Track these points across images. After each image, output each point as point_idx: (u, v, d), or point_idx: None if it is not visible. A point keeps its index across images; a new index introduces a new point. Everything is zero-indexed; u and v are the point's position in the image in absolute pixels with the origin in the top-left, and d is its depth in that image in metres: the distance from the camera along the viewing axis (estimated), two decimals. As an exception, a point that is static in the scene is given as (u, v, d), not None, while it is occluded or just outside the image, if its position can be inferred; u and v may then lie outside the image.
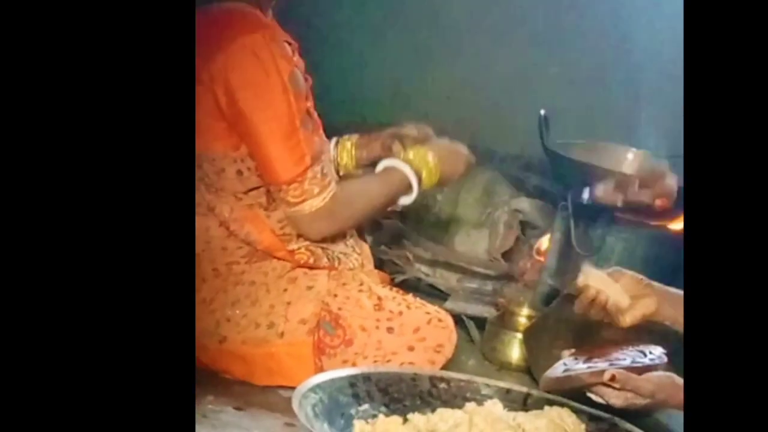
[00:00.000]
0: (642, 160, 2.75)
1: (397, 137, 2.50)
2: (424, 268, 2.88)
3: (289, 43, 2.23)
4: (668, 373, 1.84)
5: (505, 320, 2.58)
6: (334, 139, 2.57)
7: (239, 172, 2.20)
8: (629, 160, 2.77)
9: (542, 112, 2.70)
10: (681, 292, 1.91)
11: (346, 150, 2.56)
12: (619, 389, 1.80)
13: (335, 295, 2.20)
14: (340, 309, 2.18)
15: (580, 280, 1.96)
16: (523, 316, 2.56)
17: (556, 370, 1.97)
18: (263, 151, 2.16)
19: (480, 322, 2.67)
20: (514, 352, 2.52)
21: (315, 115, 2.31)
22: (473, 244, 3.05)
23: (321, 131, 2.37)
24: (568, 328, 2.32)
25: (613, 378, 1.80)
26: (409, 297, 2.28)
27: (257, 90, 2.14)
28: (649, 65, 3.28)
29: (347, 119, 3.52)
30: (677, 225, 2.56)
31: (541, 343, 2.41)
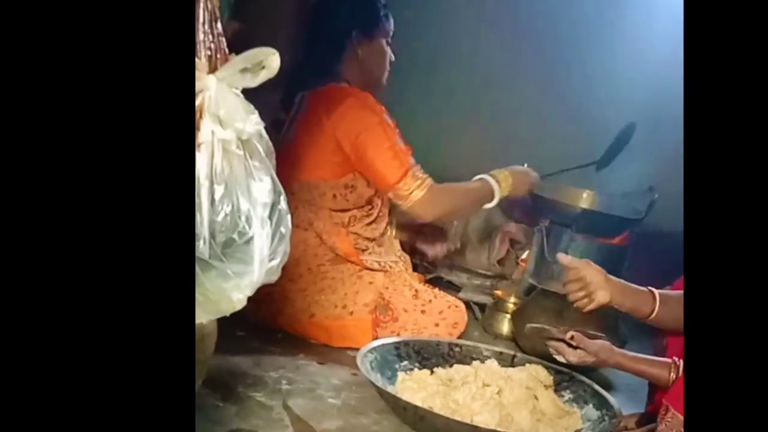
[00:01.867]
0: (592, 198, 2.73)
1: None
2: (445, 271, 2.88)
3: (376, 104, 2.24)
4: (607, 342, 1.82)
5: (499, 305, 2.58)
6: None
7: (334, 196, 2.23)
8: (584, 197, 2.74)
9: (525, 165, 2.67)
10: (621, 281, 1.83)
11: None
12: (574, 347, 1.78)
13: (387, 288, 2.24)
14: (390, 297, 2.21)
15: (566, 261, 1.87)
16: (511, 302, 2.56)
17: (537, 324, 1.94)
18: (374, 165, 2.15)
19: (482, 307, 2.66)
20: (505, 327, 2.52)
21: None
22: (478, 254, 3.02)
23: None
24: (542, 310, 2.35)
25: (572, 337, 1.77)
26: (436, 290, 2.31)
27: (364, 124, 2.15)
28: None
29: None
30: (615, 241, 2.54)
31: (523, 320, 2.36)
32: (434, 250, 2.65)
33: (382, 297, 2.21)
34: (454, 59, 3.46)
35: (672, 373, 1.68)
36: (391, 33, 2.31)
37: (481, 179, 2.35)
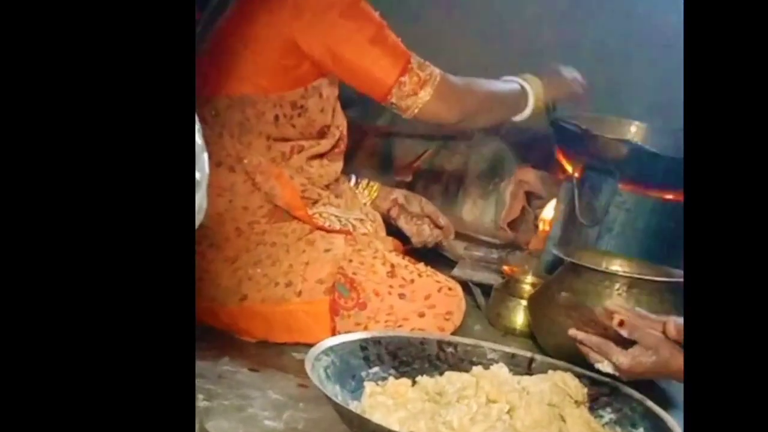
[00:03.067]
0: (645, 133, 2.75)
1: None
2: None
3: None
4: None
5: (510, 287, 2.59)
6: (354, 177, 2.62)
7: (276, 118, 2.22)
8: (632, 132, 2.77)
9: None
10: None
11: (369, 193, 2.62)
12: (626, 338, 1.75)
13: (350, 260, 2.23)
14: (354, 273, 2.20)
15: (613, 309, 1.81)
16: (528, 283, 2.57)
17: None
18: (363, 64, 2.18)
19: (486, 289, 2.67)
20: (519, 318, 2.52)
21: None
22: (480, 213, 3.05)
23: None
24: (573, 294, 2.31)
25: (622, 323, 1.74)
26: (421, 265, 2.30)
27: (338, 10, 2.16)
28: (649, 39, 3.26)
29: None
30: (678, 196, 2.56)
31: (544, 309, 2.40)
32: (422, 236, 2.61)
33: (344, 272, 2.21)
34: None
35: None
36: None
37: (510, 81, 2.39)
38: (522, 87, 2.37)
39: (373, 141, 3.26)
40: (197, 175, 1.27)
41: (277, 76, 2.21)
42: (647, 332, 1.75)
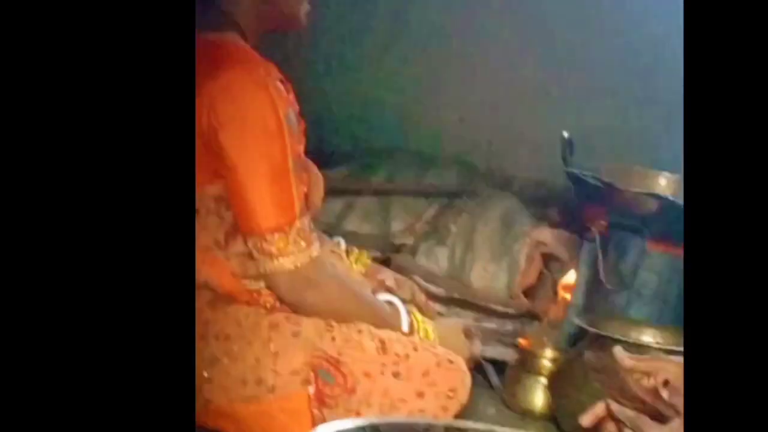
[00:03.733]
0: (677, 185, 2.74)
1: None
2: (438, 307, 2.85)
3: (283, 83, 2.20)
4: None
5: (527, 363, 2.57)
6: (342, 242, 2.60)
7: (199, 212, 2.18)
8: (662, 185, 2.75)
9: (565, 134, 2.69)
10: None
11: (358, 265, 2.60)
12: (663, 411, 1.70)
13: (333, 339, 2.17)
14: (339, 354, 2.14)
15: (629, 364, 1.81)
16: (547, 358, 2.55)
17: None
18: (244, 193, 2.12)
19: (500, 366, 2.67)
20: (538, 398, 2.52)
21: (308, 161, 2.29)
22: (491, 279, 3.02)
23: (318, 179, 2.37)
24: (598, 371, 2.30)
25: (666, 383, 1.70)
26: (416, 337, 2.25)
27: (247, 125, 2.11)
28: (676, 81, 3.27)
29: (352, 144, 3.54)
30: None
31: (567, 388, 2.40)
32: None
33: (325, 355, 2.15)
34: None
35: None
36: None
37: (390, 304, 2.34)
38: (394, 306, 2.32)
39: (368, 200, 3.27)
40: None
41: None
42: None
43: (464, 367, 2.24)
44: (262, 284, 2.22)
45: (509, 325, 2.95)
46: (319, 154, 3.04)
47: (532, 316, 2.96)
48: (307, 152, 2.31)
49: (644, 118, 3.31)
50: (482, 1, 3.55)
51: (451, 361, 2.22)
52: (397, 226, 3.19)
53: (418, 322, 2.33)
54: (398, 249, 3.10)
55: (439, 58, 3.59)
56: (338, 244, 2.59)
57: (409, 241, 3.12)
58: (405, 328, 2.28)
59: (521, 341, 2.66)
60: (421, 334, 2.30)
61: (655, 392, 1.80)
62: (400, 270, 2.75)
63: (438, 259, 3.08)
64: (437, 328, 2.36)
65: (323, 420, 2.07)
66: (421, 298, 2.63)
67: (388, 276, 2.61)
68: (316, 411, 2.12)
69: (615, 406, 1.79)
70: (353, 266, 2.56)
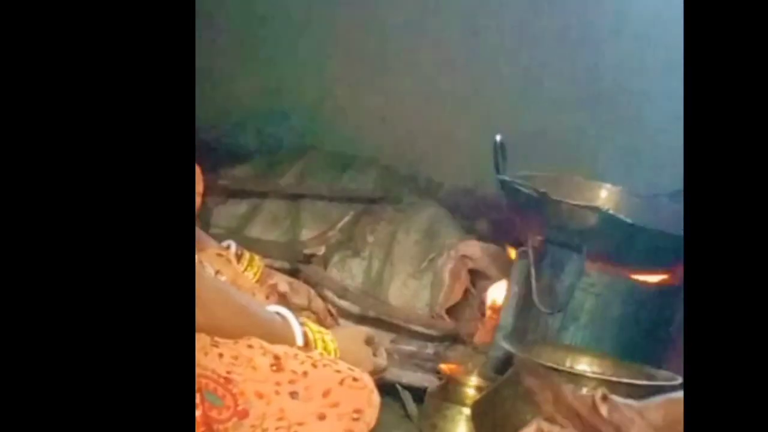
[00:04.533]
0: (619, 198, 2.76)
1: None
2: (350, 324, 2.86)
3: None
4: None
5: (449, 391, 2.57)
6: (233, 245, 2.61)
7: None
8: (603, 197, 2.77)
9: (498, 137, 2.68)
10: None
11: (251, 271, 2.61)
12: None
13: (220, 355, 2.15)
14: (228, 372, 2.13)
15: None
16: (472, 386, 2.55)
17: None
18: None
19: (418, 394, 2.65)
20: (460, 430, 2.51)
21: None
22: (412, 297, 3.04)
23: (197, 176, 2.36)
24: (527, 401, 2.31)
25: (605, 398, 1.77)
26: (315, 353, 2.24)
27: None
28: (632, 85, 3.31)
29: (257, 140, 3.54)
30: (661, 277, 2.57)
31: (493, 420, 2.39)
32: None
33: (211, 373, 2.13)
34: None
35: None
36: None
37: (280, 315, 2.34)
38: (284, 319, 2.34)
39: (276, 204, 3.28)
40: None
41: None
42: (630, 417, 1.80)
43: (371, 384, 2.23)
44: None
45: (430, 348, 2.96)
46: (221, 150, 3.06)
47: (455, 338, 2.97)
48: (203, 147, 2.31)
49: (584, 122, 3.34)
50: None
51: (355, 379, 2.21)
52: (307, 233, 3.20)
53: (313, 333, 2.34)
54: (308, 259, 3.10)
55: (360, 49, 3.60)
56: (228, 247, 2.59)
57: (320, 251, 3.13)
58: (299, 341, 2.28)
59: (443, 367, 2.67)
60: (319, 346, 2.31)
61: (592, 408, 1.84)
62: (309, 283, 2.75)
63: (352, 272, 3.10)
64: (336, 338, 2.35)
65: None
66: (319, 304, 2.63)
67: (281, 280, 2.63)
68: None
69: (546, 426, 1.82)
70: (244, 272, 2.57)
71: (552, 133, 3.25)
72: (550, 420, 1.84)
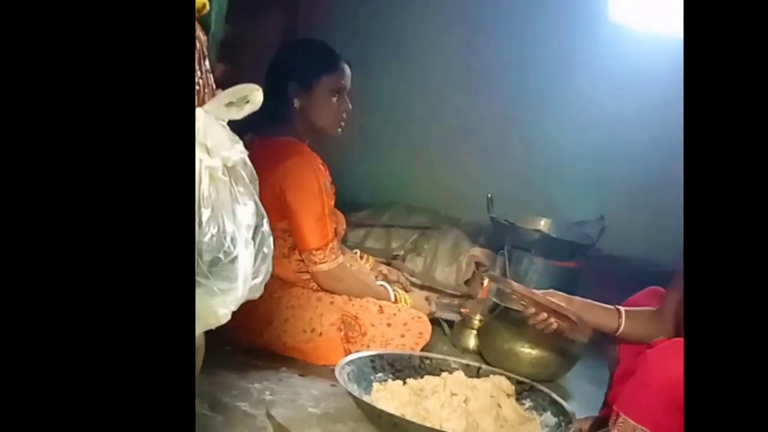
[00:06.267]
0: (549, 225, 2.75)
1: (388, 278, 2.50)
2: (416, 290, 2.77)
3: (323, 165, 2.19)
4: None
5: (466, 322, 2.55)
6: (358, 252, 2.56)
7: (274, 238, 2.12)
8: (542, 225, 2.75)
9: (489, 195, 2.70)
10: (586, 300, 1.84)
11: (368, 264, 2.54)
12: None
13: (353, 305, 2.16)
14: (357, 313, 2.15)
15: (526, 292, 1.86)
16: (477, 319, 2.53)
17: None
18: (301, 228, 2.10)
19: (450, 323, 2.62)
20: (471, 341, 2.49)
21: (336, 210, 2.26)
22: (447, 275, 2.99)
23: (342, 220, 2.33)
24: (505, 326, 2.33)
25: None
26: (399, 305, 2.24)
27: (302, 188, 2.10)
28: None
29: (369, 198, 3.40)
30: (569, 263, 2.54)
31: (487, 336, 2.39)
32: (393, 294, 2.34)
33: (348, 314, 2.15)
34: (422, 101, 3.43)
35: (620, 320, 1.74)
36: (342, 83, 2.18)
37: (383, 286, 2.30)
38: (389, 294, 2.27)
39: (378, 230, 3.22)
40: (264, 250, 1.20)
41: (270, 210, 2.12)
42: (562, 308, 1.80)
43: (427, 320, 2.24)
44: (309, 276, 2.19)
45: (456, 301, 2.90)
46: (351, 203, 3.02)
47: (468, 296, 2.91)
48: (342, 203, 2.30)
49: (536, 186, 3.21)
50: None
51: (420, 317, 2.22)
52: (394, 245, 3.14)
53: (400, 295, 2.31)
54: (395, 258, 3.05)
55: (425, 144, 3.42)
56: (356, 253, 2.56)
57: (400, 253, 3.08)
58: (392, 299, 2.26)
59: (463, 310, 2.65)
60: (402, 302, 2.28)
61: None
62: (394, 269, 2.73)
63: (417, 264, 3.04)
64: (411, 297, 2.35)
65: (349, 351, 2.07)
66: (403, 279, 2.59)
67: (385, 268, 2.58)
68: (345, 345, 2.12)
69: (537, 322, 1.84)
70: (365, 265, 2.52)
71: (519, 192, 3.10)
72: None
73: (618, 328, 1.76)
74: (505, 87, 3.27)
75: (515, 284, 1.90)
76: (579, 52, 3.06)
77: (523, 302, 1.87)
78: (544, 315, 1.84)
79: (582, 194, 3.00)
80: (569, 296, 1.87)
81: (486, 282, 2.81)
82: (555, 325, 1.84)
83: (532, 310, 1.85)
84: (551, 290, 1.90)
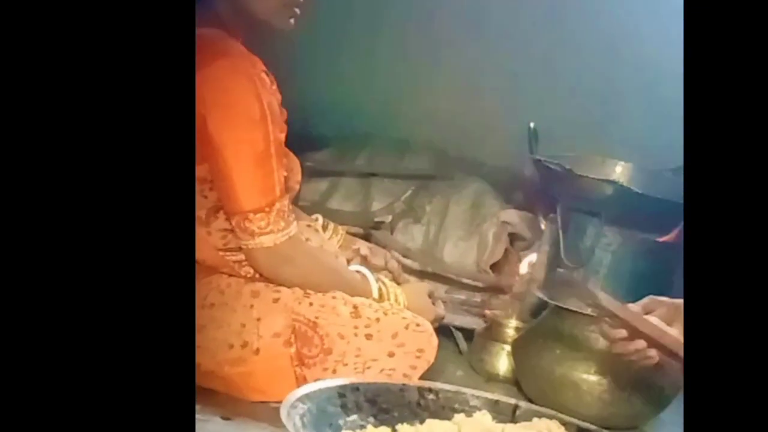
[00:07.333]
0: (630, 173, 2.76)
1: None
2: (413, 280, 2.82)
3: (267, 75, 2.19)
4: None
5: (492, 331, 2.58)
6: (320, 218, 2.58)
7: None
8: (617, 172, 2.77)
9: (531, 124, 2.70)
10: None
11: (335, 238, 2.58)
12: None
13: (309, 303, 2.18)
14: (316, 318, 2.16)
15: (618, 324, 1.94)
16: (511, 327, 2.56)
17: None
18: (229, 175, 2.11)
19: (468, 333, 2.66)
20: (502, 363, 2.52)
21: (286, 149, 2.26)
22: (462, 255, 3.03)
23: (296, 165, 2.36)
24: (556, 339, 2.34)
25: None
26: (386, 304, 2.26)
27: (232, 112, 2.11)
28: (638, 81, 3.27)
29: (335, 130, 3.52)
30: (665, 237, 2.56)
31: (529, 354, 2.41)
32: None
33: (302, 318, 2.16)
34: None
35: None
36: None
37: (360, 274, 2.34)
38: (369, 285, 2.31)
39: (350, 181, 3.27)
40: None
41: None
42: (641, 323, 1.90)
43: (431, 329, 2.24)
44: (242, 256, 2.21)
45: (477, 297, 2.95)
46: (305, 138, 3.03)
47: (497, 289, 2.96)
48: (292, 137, 2.28)
49: (600, 111, 3.28)
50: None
51: (418, 325, 2.21)
52: (376, 205, 3.19)
53: (387, 287, 2.33)
54: (377, 226, 3.09)
55: (417, 52, 3.52)
56: (316, 219, 2.57)
57: (387, 219, 3.12)
58: (374, 294, 2.28)
59: (488, 312, 2.67)
60: (392, 299, 2.30)
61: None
62: (378, 245, 2.75)
63: (414, 236, 3.09)
64: (405, 292, 2.36)
65: (304, 378, 2.09)
66: (394, 264, 2.61)
67: (363, 245, 2.61)
68: (297, 370, 2.13)
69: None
70: (331, 239, 2.55)
71: (575, 120, 3.20)
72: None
73: None
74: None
75: (605, 297, 1.91)
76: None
77: (608, 320, 1.92)
78: (642, 343, 1.88)
79: (672, 126, 3.04)
80: (678, 302, 1.91)
81: (526, 265, 2.84)
82: (656, 359, 1.90)
83: (624, 333, 1.89)
84: (651, 298, 1.94)
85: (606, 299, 1.92)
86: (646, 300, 1.97)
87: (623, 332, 1.91)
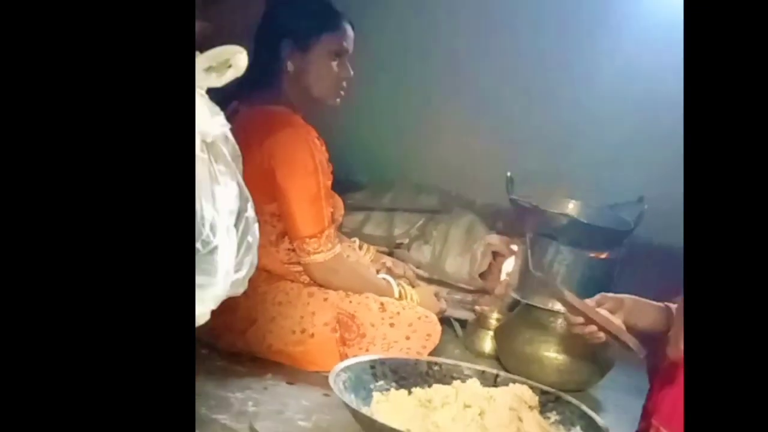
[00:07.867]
0: (579, 209, 2.74)
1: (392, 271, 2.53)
2: (423, 284, 2.80)
3: (319, 139, 2.19)
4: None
5: (481, 321, 2.56)
6: (357, 241, 2.57)
7: (258, 222, 2.13)
8: (570, 208, 2.73)
9: (508, 173, 2.67)
10: (635, 299, 1.92)
11: (368, 255, 2.56)
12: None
13: (350, 301, 2.18)
14: (354, 311, 2.17)
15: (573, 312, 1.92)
16: (494, 318, 2.55)
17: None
18: (291, 211, 2.11)
19: (463, 323, 2.64)
20: (487, 344, 2.51)
21: (333, 192, 2.26)
22: (459, 267, 3.02)
23: (340, 203, 2.34)
24: (527, 327, 2.35)
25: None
26: (404, 302, 2.26)
27: (294, 166, 2.10)
28: (593, 136, 3.20)
29: (368, 177, 3.48)
30: (603, 255, 2.54)
31: (507, 338, 2.40)
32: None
33: (344, 312, 2.16)
34: (433, 65, 3.46)
35: (671, 319, 1.78)
36: (345, 45, 2.19)
37: (386, 280, 2.33)
38: (392, 289, 2.29)
39: (379, 214, 3.24)
40: (249, 239, 1.20)
41: (258, 190, 2.07)
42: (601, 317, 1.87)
43: (436, 320, 2.25)
44: (301, 268, 2.20)
45: (469, 297, 2.93)
46: (347, 183, 3.04)
47: (484, 291, 2.94)
48: (337, 183, 2.29)
49: (562, 162, 3.24)
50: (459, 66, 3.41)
51: (427, 316, 2.22)
52: (398, 231, 3.16)
53: (405, 290, 2.32)
54: (398, 246, 3.07)
55: (424, 118, 3.47)
56: (354, 241, 2.57)
57: (405, 241, 3.11)
58: (396, 295, 2.27)
59: (477, 307, 2.66)
60: (408, 298, 2.29)
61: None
62: (399, 260, 2.75)
63: (424, 253, 3.07)
64: (418, 293, 2.35)
65: (346, 355, 2.08)
66: (410, 273, 2.61)
67: (388, 260, 2.60)
68: (341, 349, 2.13)
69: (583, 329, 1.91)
70: (365, 256, 2.53)
71: (542, 168, 3.13)
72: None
73: (668, 330, 1.78)
74: (526, 47, 3.29)
75: (569, 294, 1.92)
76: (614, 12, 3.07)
77: (567, 310, 1.92)
78: (594, 327, 1.89)
79: (617, 173, 2.99)
80: (620, 297, 1.92)
81: (504, 274, 2.83)
82: (603, 339, 1.90)
83: (581, 320, 1.90)
84: (602, 295, 1.95)
85: (570, 296, 1.92)
86: (598, 296, 1.96)
87: (581, 319, 1.91)
